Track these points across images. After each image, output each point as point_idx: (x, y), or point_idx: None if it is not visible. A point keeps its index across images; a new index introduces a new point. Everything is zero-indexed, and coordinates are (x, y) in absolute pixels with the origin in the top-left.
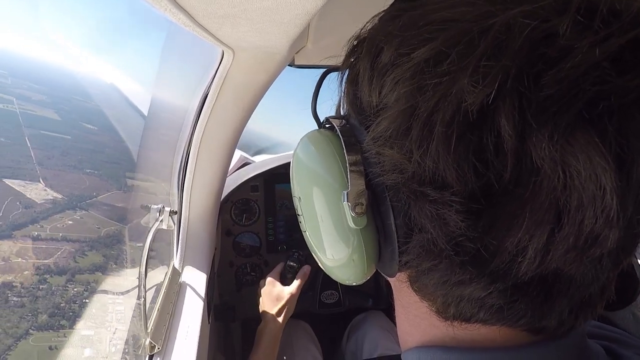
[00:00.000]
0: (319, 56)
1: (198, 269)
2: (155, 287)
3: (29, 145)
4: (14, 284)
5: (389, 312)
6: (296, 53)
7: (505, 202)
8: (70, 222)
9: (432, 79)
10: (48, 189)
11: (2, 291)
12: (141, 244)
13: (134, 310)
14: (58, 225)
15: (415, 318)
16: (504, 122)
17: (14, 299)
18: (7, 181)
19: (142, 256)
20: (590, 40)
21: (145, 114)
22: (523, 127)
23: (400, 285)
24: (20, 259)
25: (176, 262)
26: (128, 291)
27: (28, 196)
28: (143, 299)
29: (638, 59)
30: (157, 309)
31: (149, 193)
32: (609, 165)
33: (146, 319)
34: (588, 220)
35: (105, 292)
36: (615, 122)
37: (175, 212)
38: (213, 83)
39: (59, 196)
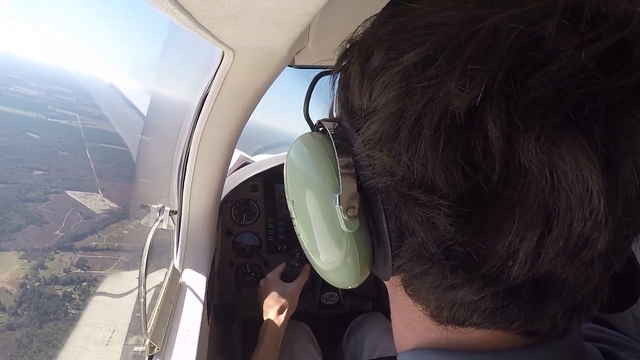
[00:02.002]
0: (320, 57)
1: (198, 269)
2: (154, 287)
3: (89, 157)
4: (72, 295)
5: (389, 313)
6: (296, 54)
7: (495, 205)
8: (125, 232)
9: (420, 82)
10: (105, 200)
11: (62, 304)
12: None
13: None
14: (114, 235)
15: (410, 321)
16: (491, 125)
17: (73, 311)
18: (70, 193)
19: (142, 256)
20: (576, 42)
21: (145, 114)
22: (510, 129)
23: (394, 289)
24: (79, 270)
25: (176, 262)
26: (130, 291)
27: (88, 207)
28: (143, 299)
29: (624, 61)
30: (157, 309)
31: (149, 193)
32: (596, 167)
33: (146, 319)
34: (577, 222)
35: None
36: (602, 123)
37: (175, 212)
38: (213, 83)
39: (115, 206)
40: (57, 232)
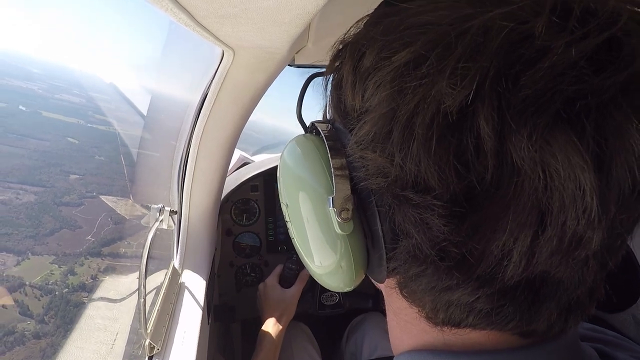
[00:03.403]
0: (320, 56)
1: (198, 269)
2: (155, 288)
3: (123, 162)
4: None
5: None
6: (296, 53)
7: (488, 205)
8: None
9: (411, 81)
10: (136, 205)
11: (89, 314)
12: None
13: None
14: (142, 241)
15: (406, 324)
16: (483, 123)
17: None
18: (103, 197)
19: (142, 256)
20: (566, 40)
21: (145, 113)
22: (502, 127)
23: (389, 291)
24: (107, 277)
25: (176, 262)
26: (131, 294)
27: (118, 212)
28: (143, 300)
29: (613, 58)
30: (156, 310)
31: (149, 193)
32: (588, 165)
33: (146, 319)
34: (570, 221)
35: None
36: (593, 120)
37: (175, 212)
38: (213, 82)
39: (146, 212)
40: (88, 237)
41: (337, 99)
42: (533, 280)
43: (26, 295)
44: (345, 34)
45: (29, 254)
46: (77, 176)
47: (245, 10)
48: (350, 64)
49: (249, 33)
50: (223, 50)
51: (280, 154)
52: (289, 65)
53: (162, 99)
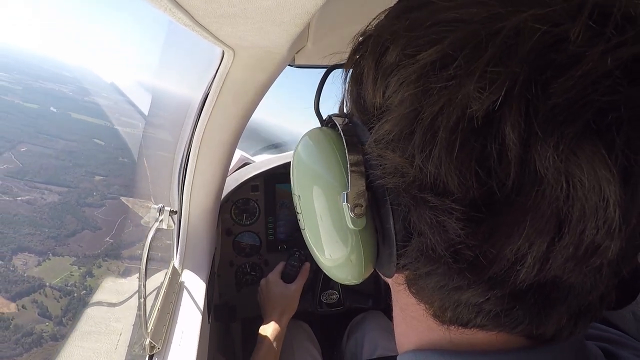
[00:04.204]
0: (319, 56)
1: (198, 268)
2: (155, 287)
3: (145, 165)
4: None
5: (389, 312)
6: (296, 53)
7: (507, 211)
8: (168, 242)
9: (437, 82)
10: (156, 207)
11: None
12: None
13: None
14: (159, 244)
15: (412, 320)
16: (509, 130)
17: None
18: (123, 199)
19: (142, 256)
20: (602, 47)
21: (146, 113)
22: (528, 135)
23: (397, 287)
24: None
25: (176, 262)
26: (133, 294)
27: (139, 214)
28: (143, 299)
29: None
30: (157, 309)
31: (149, 193)
32: (614, 178)
33: (146, 319)
34: (589, 230)
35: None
36: (623, 133)
37: (175, 212)
38: (213, 83)
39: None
40: (107, 238)
41: (357, 94)
42: (544, 284)
43: (46, 296)
44: (367, 25)
45: (50, 254)
46: (101, 177)
47: (244, 9)
48: (372, 59)
49: (248, 33)
50: (223, 50)
51: (280, 154)
52: (289, 65)
53: (163, 98)
